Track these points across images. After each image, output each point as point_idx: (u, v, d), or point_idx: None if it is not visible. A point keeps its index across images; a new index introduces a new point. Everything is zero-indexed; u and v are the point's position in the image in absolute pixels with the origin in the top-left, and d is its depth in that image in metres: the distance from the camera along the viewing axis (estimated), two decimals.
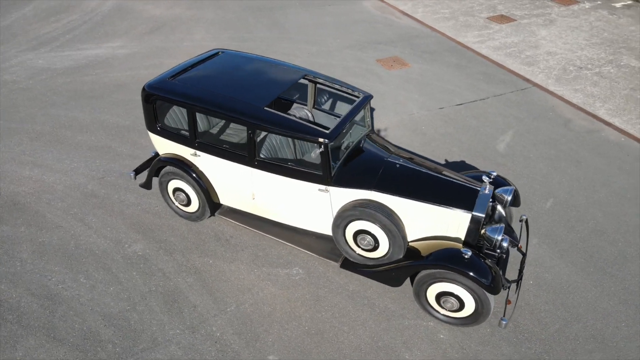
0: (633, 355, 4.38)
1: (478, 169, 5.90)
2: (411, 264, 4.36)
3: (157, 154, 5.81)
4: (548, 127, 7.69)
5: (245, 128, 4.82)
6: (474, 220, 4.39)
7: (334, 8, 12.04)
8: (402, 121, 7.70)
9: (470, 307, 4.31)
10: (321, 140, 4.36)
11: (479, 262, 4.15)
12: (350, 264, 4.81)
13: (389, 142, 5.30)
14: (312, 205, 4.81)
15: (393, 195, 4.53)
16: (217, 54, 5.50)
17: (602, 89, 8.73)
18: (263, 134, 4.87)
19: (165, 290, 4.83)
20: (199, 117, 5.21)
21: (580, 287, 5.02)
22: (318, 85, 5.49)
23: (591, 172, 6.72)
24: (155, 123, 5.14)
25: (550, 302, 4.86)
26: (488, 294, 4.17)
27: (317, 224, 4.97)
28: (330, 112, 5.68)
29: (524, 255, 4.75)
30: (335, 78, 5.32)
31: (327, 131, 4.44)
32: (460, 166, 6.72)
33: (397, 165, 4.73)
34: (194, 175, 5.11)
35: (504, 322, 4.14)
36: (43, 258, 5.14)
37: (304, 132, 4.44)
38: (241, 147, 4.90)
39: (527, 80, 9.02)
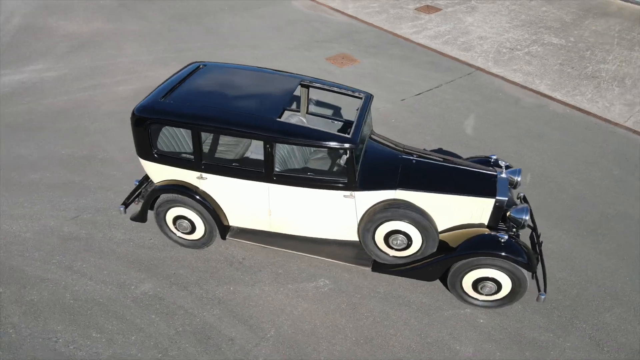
0: None
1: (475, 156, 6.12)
2: (450, 257, 4.42)
3: (143, 183, 5.33)
4: (502, 107, 8.19)
5: (260, 143, 4.57)
6: (497, 204, 4.56)
7: (263, 10, 11.81)
8: (372, 116, 7.76)
9: (507, 287, 4.47)
10: (347, 145, 4.26)
11: (514, 243, 4.32)
12: (381, 266, 4.78)
13: (390, 139, 5.31)
14: (337, 213, 4.69)
15: (418, 191, 4.56)
16: (198, 67, 5.14)
17: (535, 67, 9.48)
18: (278, 146, 4.64)
19: (194, 329, 4.46)
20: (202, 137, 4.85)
21: (581, 251, 5.42)
22: (311, 90, 5.35)
23: (553, 144, 7.28)
24: (150, 149, 4.69)
25: (562, 269, 5.19)
26: (524, 272, 4.36)
27: (340, 232, 4.87)
28: (324, 116, 5.57)
29: (534, 229, 5.02)
30: (330, 81, 5.22)
31: (348, 136, 4.35)
32: (446, 154, 6.94)
33: (414, 161, 4.77)
34: (201, 199, 4.76)
35: (542, 297, 4.35)
36: (39, 319, 4.49)
37: (327, 139, 4.31)
38: (255, 163, 4.64)
39: (470, 65, 9.53)
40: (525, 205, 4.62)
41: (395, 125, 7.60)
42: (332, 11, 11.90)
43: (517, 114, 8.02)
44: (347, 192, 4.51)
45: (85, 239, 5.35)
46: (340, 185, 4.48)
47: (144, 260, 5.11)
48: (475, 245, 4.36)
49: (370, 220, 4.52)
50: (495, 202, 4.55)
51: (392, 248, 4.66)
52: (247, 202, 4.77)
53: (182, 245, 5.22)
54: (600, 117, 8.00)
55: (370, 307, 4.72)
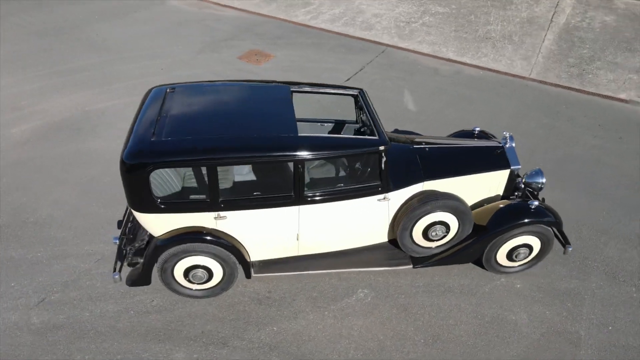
0: None
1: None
2: (493, 233, 4.48)
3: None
4: (426, 79, 8.55)
5: (284, 165, 4.09)
6: (512, 174, 4.76)
7: (141, 15, 10.61)
8: (316, 110, 7.51)
9: (537, 249, 4.72)
10: (381, 148, 4.04)
11: (542, 207, 4.55)
12: (421, 260, 4.69)
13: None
14: (370, 219, 4.46)
15: (443, 178, 4.54)
16: (166, 93, 4.40)
17: (436, 36, 10.05)
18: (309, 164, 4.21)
19: None
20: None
21: (554, 198, 5.85)
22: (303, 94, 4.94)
23: (484, 105, 7.82)
24: (152, 199, 3.90)
25: (582, 226, 5.53)
26: (552, 230, 4.62)
27: (371, 237, 4.65)
28: (308, 119, 5.21)
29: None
30: (317, 83, 4.87)
31: (377, 138, 4.12)
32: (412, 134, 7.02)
33: (427, 150, 4.72)
34: (221, 242, 4.14)
35: (570, 249, 4.68)
36: None
37: (359, 146, 4.03)
38: (281, 187, 4.15)
39: (380, 43, 9.73)
40: (537, 168, 4.88)
41: (343, 114, 7.45)
42: (219, 7, 11.16)
43: (441, 83, 8.44)
44: (381, 196, 4.30)
45: (70, 325, 4.33)
46: (373, 190, 4.25)
47: (158, 328, 4.32)
48: (513, 217, 4.47)
49: (409, 218, 4.38)
50: (511, 172, 4.74)
51: (430, 240, 4.59)
52: (273, 232, 4.28)
53: (195, 297, 4.52)
54: (509, 74, 8.81)
55: (420, 304, 4.63)
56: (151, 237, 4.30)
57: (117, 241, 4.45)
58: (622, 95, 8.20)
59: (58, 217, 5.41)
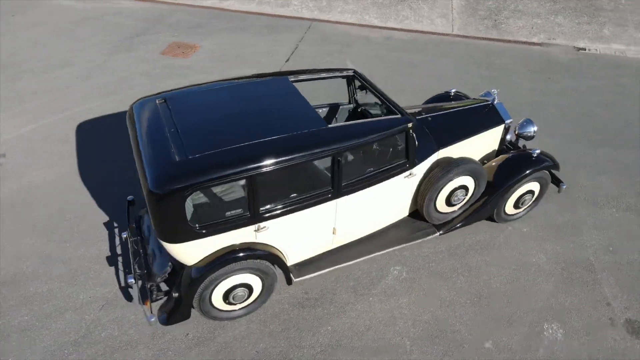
0: None
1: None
2: (507, 186, 4.68)
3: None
4: (363, 48, 8.59)
5: (318, 161, 3.85)
6: (506, 128, 5.02)
7: (24, 18, 9.20)
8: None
9: (537, 191, 5.05)
10: (409, 125, 3.99)
11: (541, 154, 4.85)
12: (445, 226, 4.79)
13: None
14: (398, 197, 4.43)
15: (452, 144, 4.64)
16: (155, 105, 3.90)
17: (354, 4, 10.08)
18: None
19: None
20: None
21: (549, 148, 6.31)
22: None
23: (425, 67, 8.09)
24: (188, 226, 3.45)
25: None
26: (548, 173, 4.97)
27: (397, 214, 4.64)
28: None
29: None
30: (311, 68, 4.62)
31: (400, 115, 4.06)
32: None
33: (430, 119, 4.76)
34: (263, 254, 3.84)
35: (564, 187, 5.09)
36: None
37: (388, 127, 3.94)
38: (319, 184, 3.93)
39: (301, 18, 9.52)
40: (526, 118, 5.18)
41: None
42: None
43: (377, 50, 8.54)
44: (407, 172, 4.28)
45: None
46: (401, 168, 4.21)
47: (209, 357, 3.94)
48: (522, 168, 4.68)
49: (435, 188, 4.43)
50: (505, 126, 4.99)
51: (451, 205, 4.70)
52: (311, 231, 4.07)
53: (235, 318, 4.18)
54: (435, 33, 9.17)
55: (451, 267, 4.75)
56: (178, 266, 3.85)
57: (133, 280, 3.92)
58: (535, 39, 8.99)
59: (30, 272, 4.60)
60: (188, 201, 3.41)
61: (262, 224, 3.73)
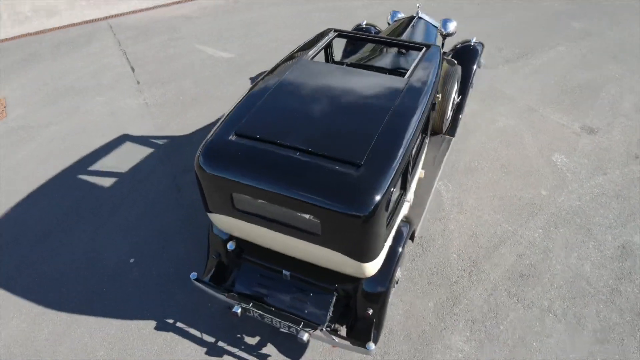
0: None
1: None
2: (472, 78, 4.91)
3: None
4: (199, 23, 7.64)
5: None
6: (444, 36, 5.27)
7: None
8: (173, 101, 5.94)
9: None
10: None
11: (474, 45, 5.23)
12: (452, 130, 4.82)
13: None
14: None
15: None
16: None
17: None
18: None
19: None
20: None
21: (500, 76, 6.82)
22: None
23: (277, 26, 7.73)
24: (385, 236, 2.77)
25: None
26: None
27: None
28: None
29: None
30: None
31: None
32: None
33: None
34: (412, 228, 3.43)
35: (483, 62, 5.65)
36: None
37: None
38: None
39: (94, 21, 7.82)
40: (443, 19, 5.42)
41: (216, 98, 6.15)
42: None
43: (219, 22, 7.74)
44: None
45: None
46: None
47: None
48: (472, 58, 5.03)
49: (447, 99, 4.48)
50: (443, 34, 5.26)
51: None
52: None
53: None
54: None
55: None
56: (340, 289, 3.14)
57: (304, 334, 3.04)
58: None
59: None
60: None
61: (407, 197, 3.29)
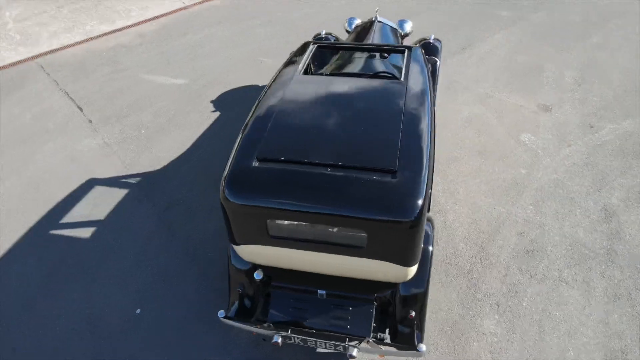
0: None
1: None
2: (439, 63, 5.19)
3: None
4: (140, 52, 7.32)
5: None
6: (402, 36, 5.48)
7: None
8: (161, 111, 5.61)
9: None
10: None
11: (433, 42, 5.48)
12: None
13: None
14: None
15: None
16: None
17: (63, 22, 8.16)
18: None
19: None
20: None
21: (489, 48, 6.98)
22: None
23: (223, 44, 7.58)
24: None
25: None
26: None
27: None
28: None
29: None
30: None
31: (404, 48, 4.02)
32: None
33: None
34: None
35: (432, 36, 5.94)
36: None
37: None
38: None
39: (20, 62, 7.26)
40: (399, 20, 5.64)
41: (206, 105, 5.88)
42: None
43: (155, 48, 7.46)
44: None
45: None
46: None
47: None
48: (434, 54, 5.27)
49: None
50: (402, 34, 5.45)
51: None
52: None
53: None
54: (179, 10, 8.45)
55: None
56: (378, 298, 3.15)
57: (354, 350, 3.01)
58: None
59: None
60: None
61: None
